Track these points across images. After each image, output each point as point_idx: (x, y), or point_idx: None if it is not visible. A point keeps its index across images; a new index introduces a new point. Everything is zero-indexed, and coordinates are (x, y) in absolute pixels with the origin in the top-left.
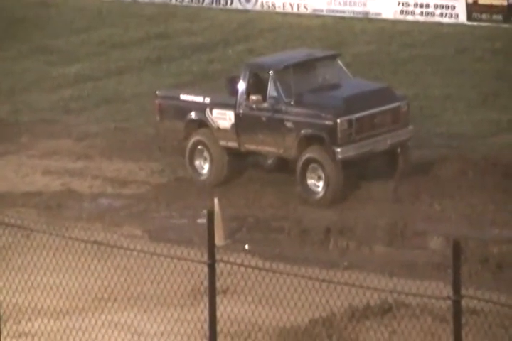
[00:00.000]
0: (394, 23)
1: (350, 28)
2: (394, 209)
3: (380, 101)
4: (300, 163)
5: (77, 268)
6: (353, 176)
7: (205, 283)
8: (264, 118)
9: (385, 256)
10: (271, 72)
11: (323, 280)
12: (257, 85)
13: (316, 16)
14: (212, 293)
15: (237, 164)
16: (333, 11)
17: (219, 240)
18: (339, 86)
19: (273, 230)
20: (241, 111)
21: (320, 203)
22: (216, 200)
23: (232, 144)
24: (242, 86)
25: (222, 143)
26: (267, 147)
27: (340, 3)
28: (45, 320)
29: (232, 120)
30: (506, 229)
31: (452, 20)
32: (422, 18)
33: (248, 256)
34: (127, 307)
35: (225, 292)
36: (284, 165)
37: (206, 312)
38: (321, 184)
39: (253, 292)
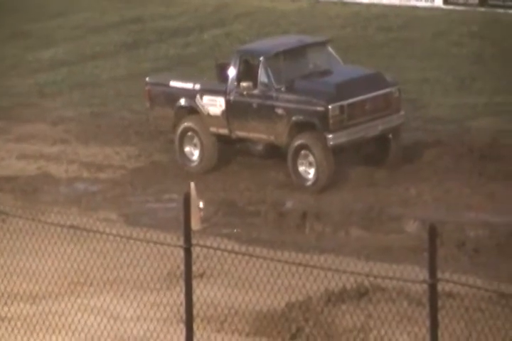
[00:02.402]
0: (369, 6)
1: (325, 12)
2: (370, 194)
3: (372, 87)
4: (291, 150)
5: (53, 253)
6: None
7: (182, 267)
8: (254, 105)
9: (361, 240)
10: (261, 59)
11: (300, 264)
12: (248, 72)
13: (291, 1)
14: (188, 276)
15: (228, 150)
16: None
17: (195, 224)
18: (330, 72)
19: (249, 214)
20: (231, 97)
21: (311, 189)
22: (192, 184)
23: (223, 131)
24: (232, 72)
25: (213, 129)
26: (258, 134)
27: None
28: (22, 305)
29: (223, 106)
30: (482, 212)
31: (428, 4)
32: (397, 2)
33: (224, 240)
34: (103, 292)
35: (201, 276)
36: (274, 152)
37: (182, 296)
38: (312, 170)
39: (229, 276)
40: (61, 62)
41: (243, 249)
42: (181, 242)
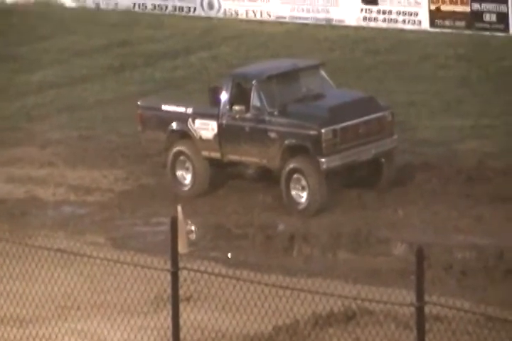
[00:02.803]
0: (357, 29)
1: (313, 35)
2: (358, 216)
3: (365, 111)
4: (284, 174)
5: (40, 276)
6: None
7: (169, 290)
8: (247, 129)
9: (348, 263)
10: (254, 82)
11: (287, 288)
12: (240, 95)
13: (279, 23)
14: (175, 300)
15: (220, 174)
16: (296, 17)
17: (182, 248)
18: (323, 96)
19: (237, 237)
20: (224, 121)
21: (303, 213)
22: (179, 208)
23: (215, 155)
24: (225, 96)
25: (205, 153)
26: (251, 157)
27: (303, 10)
28: (8, 328)
29: (215, 130)
30: (470, 235)
31: (415, 27)
32: (384, 25)
33: (212, 263)
34: (91, 315)
35: (188, 299)
36: (266, 175)
37: (169, 320)
38: (304, 194)
39: (217, 299)
40: (49, 85)
41: (230, 272)
42: (168, 266)
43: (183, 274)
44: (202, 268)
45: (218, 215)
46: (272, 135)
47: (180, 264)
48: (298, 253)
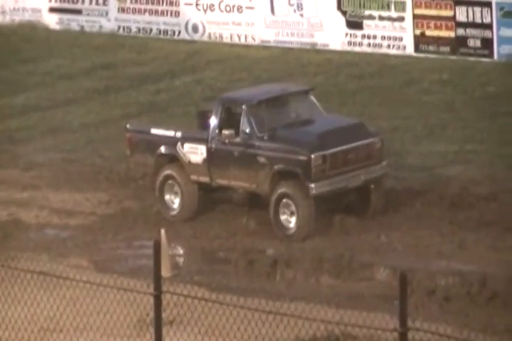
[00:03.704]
0: (341, 54)
1: (297, 59)
2: (341, 241)
3: (354, 137)
4: (273, 199)
5: (23, 299)
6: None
7: (152, 314)
8: (236, 153)
9: (331, 288)
10: (244, 107)
11: (270, 312)
12: (230, 120)
13: (263, 47)
14: (158, 323)
15: (208, 198)
16: (280, 42)
17: (165, 271)
18: (313, 121)
19: (220, 261)
20: (213, 145)
21: (292, 239)
22: (163, 231)
23: (204, 179)
24: (214, 120)
25: (194, 177)
26: (240, 182)
27: (287, 34)
28: None
29: (204, 154)
30: (453, 261)
31: (400, 52)
32: (369, 50)
33: (195, 287)
34: (73, 338)
35: (171, 323)
36: (252, 200)
37: None
38: (293, 220)
39: (200, 323)
40: (33, 107)
41: (213, 296)
42: (151, 289)
43: (166, 298)
44: (185, 292)
45: (202, 239)
46: (262, 160)
47: (164, 288)
48: (281, 277)
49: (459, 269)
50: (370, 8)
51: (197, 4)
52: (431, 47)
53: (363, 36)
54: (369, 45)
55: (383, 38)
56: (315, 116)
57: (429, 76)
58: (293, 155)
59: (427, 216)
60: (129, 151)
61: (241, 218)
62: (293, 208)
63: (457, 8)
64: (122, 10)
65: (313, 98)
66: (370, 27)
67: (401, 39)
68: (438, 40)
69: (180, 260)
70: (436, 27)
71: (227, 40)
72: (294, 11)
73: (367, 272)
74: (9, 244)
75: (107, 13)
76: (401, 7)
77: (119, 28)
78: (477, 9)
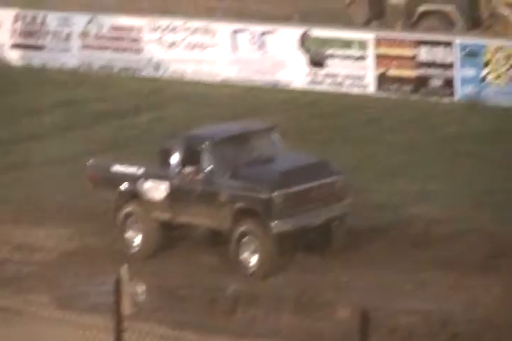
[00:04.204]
0: (303, 92)
1: (259, 98)
2: (302, 279)
3: (316, 175)
4: (234, 237)
5: None
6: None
7: None
8: (198, 191)
9: (292, 326)
10: (206, 145)
11: None
12: (192, 157)
13: (225, 85)
14: None
15: (169, 236)
16: (243, 80)
17: (127, 308)
18: (274, 159)
19: (181, 298)
20: (175, 183)
21: (253, 277)
22: (124, 268)
23: (165, 216)
24: (176, 158)
25: (155, 215)
26: (201, 219)
27: (249, 73)
28: None
29: (166, 192)
30: (415, 300)
31: (361, 91)
32: (331, 88)
33: (156, 325)
34: None
35: None
36: (216, 238)
37: None
38: (254, 258)
39: None
40: None
41: (175, 333)
42: (113, 326)
43: (127, 335)
44: (146, 329)
45: (163, 276)
46: (223, 198)
47: (125, 325)
48: (242, 315)
49: (420, 308)
50: (332, 47)
51: (159, 41)
52: (392, 87)
53: (325, 75)
54: (331, 83)
55: (345, 76)
56: (277, 154)
57: (390, 115)
58: (254, 194)
59: (388, 254)
60: (91, 187)
61: (202, 256)
62: (254, 246)
63: (419, 48)
64: (85, 46)
65: (275, 136)
66: (332, 66)
67: (363, 78)
68: (399, 80)
69: (142, 297)
70: (398, 66)
71: (189, 77)
72: (257, 49)
73: (328, 310)
74: None
75: (69, 50)
76: (363, 46)
77: (81, 64)
78: (439, 49)
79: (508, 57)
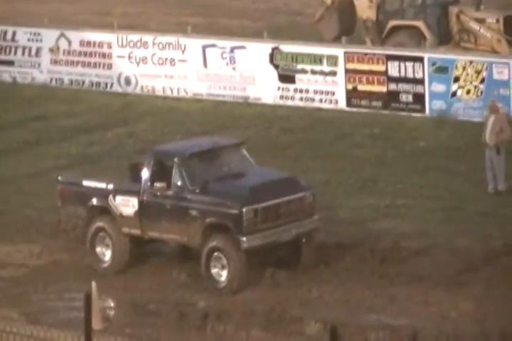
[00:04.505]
0: (274, 107)
1: (230, 113)
2: (271, 294)
3: (286, 191)
4: (204, 252)
5: None
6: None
7: None
8: (168, 206)
9: None
10: (176, 160)
11: None
12: (162, 172)
13: (196, 100)
14: None
15: (139, 251)
16: (213, 95)
17: (96, 324)
18: (244, 174)
19: (151, 314)
20: (145, 198)
21: (223, 292)
22: (94, 284)
23: (135, 231)
24: (146, 173)
25: (125, 230)
26: (171, 235)
27: (220, 88)
28: None
29: (136, 207)
30: (383, 315)
31: (332, 106)
32: (301, 104)
33: (126, 340)
34: None
35: None
36: (186, 253)
37: None
38: (224, 273)
39: None
40: None
41: None
42: None
43: None
44: None
45: (133, 292)
46: (193, 213)
47: (94, 340)
48: (211, 330)
49: (389, 323)
50: (302, 62)
51: (129, 57)
52: (363, 102)
53: (295, 90)
54: (301, 99)
55: (315, 92)
56: (247, 169)
57: (360, 130)
58: (224, 209)
59: (358, 270)
60: (60, 203)
61: (172, 271)
62: (224, 261)
63: (389, 63)
64: (55, 62)
65: (244, 151)
66: (302, 81)
67: (333, 93)
68: (370, 95)
69: (111, 312)
70: (368, 82)
71: (159, 92)
72: (227, 64)
73: (298, 326)
74: None
75: (39, 65)
76: (333, 61)
77: (51, 79)
78: (409, 64)
79: (477, 72)
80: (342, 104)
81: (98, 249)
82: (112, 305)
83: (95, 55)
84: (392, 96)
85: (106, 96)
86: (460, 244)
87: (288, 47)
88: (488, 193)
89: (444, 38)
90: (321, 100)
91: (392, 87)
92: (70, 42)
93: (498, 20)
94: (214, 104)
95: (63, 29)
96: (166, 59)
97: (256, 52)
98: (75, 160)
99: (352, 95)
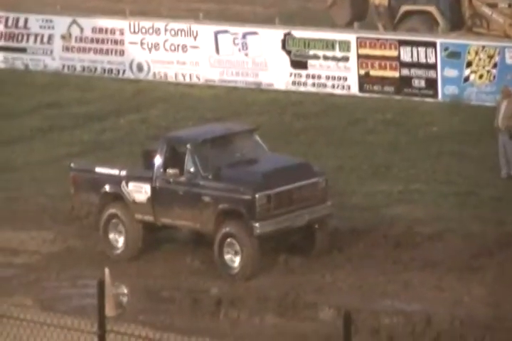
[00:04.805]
0: (286, 93)
1: (242, 99)
2: (285, 280)
3: (298, 177)
4: (217, 238)
5: None
6: None
7: None
8: (181, 192)
9: (276, 327)
10: (188, 146)
11: None
12: (175, 159)
13: (208, 86)
14: None
15: (152, 237)
16: (225, 81)
17: (110, 310)
18: (257, 161)
19: (164, 300)
20: (158, 184)
21: (236, 278)
22: (107, 270)
23: (148, 218)
24: (159, 159)
25: (138, 216)
26: (184, 221)
27: (232, 74)
28: None
29: (149, 193)
30: (397, 300)
31: (344, 92)
32: (314, 89)
33: (139, 327)
34: None
35: None
36: (199, 239)
37: None
38: (237, 259)
39: None
40: None
41: (158, 335)
42: (95, 328)
43: (110, 337)
44: (129, 331)
45: (146, 278)
46: (206, 199)
47: (108, 327)
48: (225, 316)
49: (403, 309)
50: (314, 48)
51: (142, 43)
52: (375, 87)
53: (308, 76)
54: (313, 84)
55: (328, 77)
56: (259, 155)
57: (373, 116)
58: (237, 195)
59: (371, 255)
60: (73, 190)
61: (185, 257)
62: (237, 247)
63: (402, 49)
64: (67, 49)
65: (257, 137)
66: (314, 67)
67: (345, 79)
68: (382, 80)
69: (125, 299)
70: (380, 67)
71: (171, 79)
72: (239, 50)
73: (311, 311)
74: None
75: (51, 52)
76: (345, 47)
77: (63, 66)
78: (421, 49)
79: (490, 57)
80: (354, 90)
81: (111, 236)
82: (125, 291)
83: (107, 42)
84: (405, 82)
85: (118, 83)
86: (473, 229)
87: (300, 33)
88: (502, 178)
89: (457, 23)
90: (333, 86)
91: (405, 72)
92: (82, 29)
93: (510, 5)
94: (226, 90)
95: (75, 16)
96: (178, 45)
97: (268, 38)
98: (88, 147)
99: (364, 81)
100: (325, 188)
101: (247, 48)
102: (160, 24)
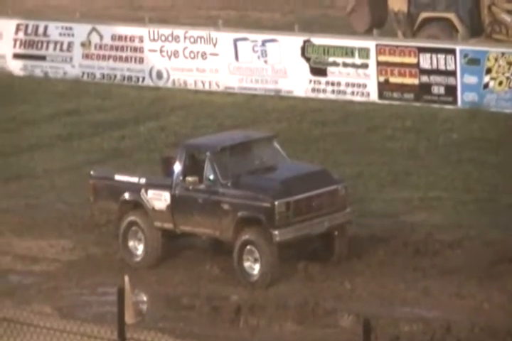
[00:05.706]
0: (305, 100)
1: (261, 106)
2: (304, 287)
3: (318, 184)
4: (237, 245)
5: None
6: None
7: None
8: (200, 200)
9: (295, 335)
10: (208, 154)
11: None
12: (194, 166)
13: (227, 94)
14: None
15: (172, 245)
16: (244, 88)
17: (129, 318)
18: (276, 168)
19: (183, 308)
20: (177, 192)
21: (256, 285)
22: (126, 278)
23: (168, 225)
24: (178, 167)
25: (157, 224)
26: (203, 229)
27: (251, 81)
28: None
29: (168, 201)
30: (417, 307)
31: (364, 99)
32: (333, 96)
33: (158, 334)
34: None
35: None
36: (218, 247)
37: None
38: (257, 266)
39: None
40: None
41: None
42: (115, 336)
43: None
44: (149, 339)
45: (165, 285)
46: (225, 206)
47: (127, 334)
48: (244, 324)
49: (422, 316)
50: (334, 55)
51: (161, 51)
52: (395, 94)
53: (327, 83)
54: (333, 91)
55: (347, 84)
56: (278, 162)
57: (392, 123)
58: (257, 202)
59: (391, 263)
60: (92, 197)
61: (205, 264)
62: (257, 255)
63: (421, 55)
64: (86, 56)
65: (276, 145)
66: (333, 74)
67: (365, 86)
68: (402, 87)
69: (144, 306)
70: (400, 74)
71: (191, 86)
72: (258, 57)
73: (331, 319)
74: None
75: (71, 59)
76: (365, 54)
77: (83, 74)
78: (441, 56)
79: (509, 64)
80: (374, 97)
81: (130, 243)
82: (145, 299)
83: (127, 49)
84: (424, 89)
85: (137, 91)
86: (493, 236)
87: (319, 40)
88: None
89: (476, 30)
90: (352, 93)
91: (424, 79)
92: (101, 37)
93: None
94: (246, 97)
95: (95, 23)
96: (198, 52)
97: (287, 45)
98: (107, 154)
99: (384, 87)
100: (344, 195)
101: (266, 55)
102: (179, 31)
